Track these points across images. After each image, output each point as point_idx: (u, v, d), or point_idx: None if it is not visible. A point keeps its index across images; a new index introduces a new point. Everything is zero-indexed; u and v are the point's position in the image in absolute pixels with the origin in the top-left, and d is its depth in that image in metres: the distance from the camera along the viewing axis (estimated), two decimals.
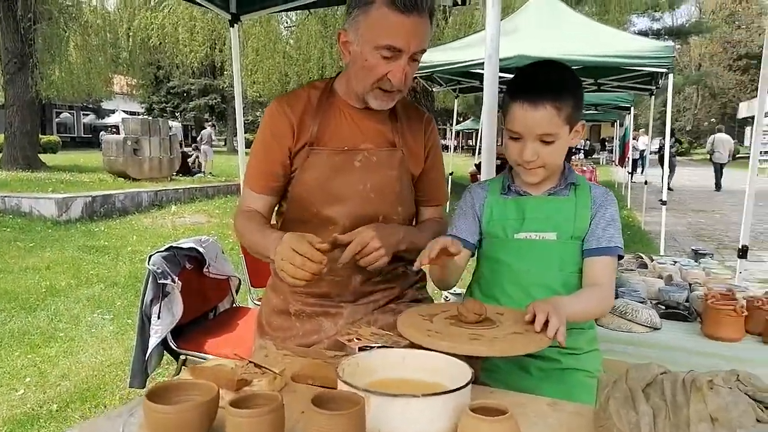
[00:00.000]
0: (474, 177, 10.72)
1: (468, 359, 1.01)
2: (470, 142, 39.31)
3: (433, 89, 10.12)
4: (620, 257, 1.40)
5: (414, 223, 1.64)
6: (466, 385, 0.87)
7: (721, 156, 16.72)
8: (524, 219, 1.41)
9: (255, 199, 1.52)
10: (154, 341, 2.50)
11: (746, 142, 40.39)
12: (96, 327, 4.30)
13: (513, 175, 1.46)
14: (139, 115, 32.43)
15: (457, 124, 14.04)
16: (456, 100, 11.21)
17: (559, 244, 1.39)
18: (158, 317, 2.51)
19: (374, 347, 1.04)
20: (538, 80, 1.32)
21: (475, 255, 1.53)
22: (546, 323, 1.08)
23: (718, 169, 16.72)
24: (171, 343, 2.54)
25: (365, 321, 1.49)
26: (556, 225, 1.39)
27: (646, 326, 2.02)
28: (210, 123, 19.71)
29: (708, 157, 18.32)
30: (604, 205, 1.41)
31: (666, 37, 29.10)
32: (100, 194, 9.51)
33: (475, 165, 11.29)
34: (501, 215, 1.44)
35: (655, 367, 0.84)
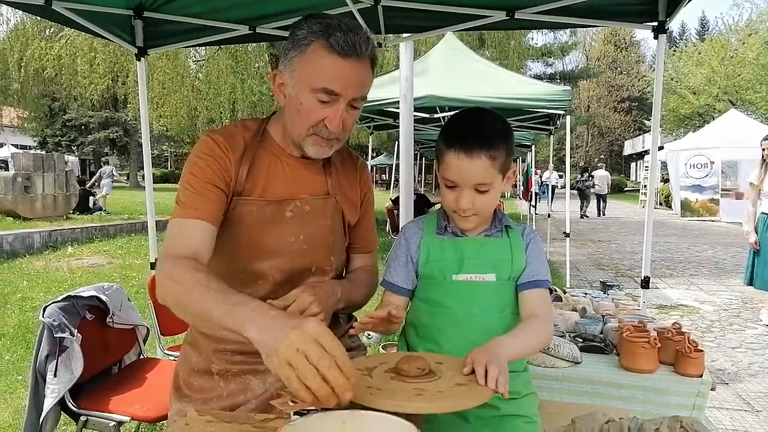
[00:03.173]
0: (390, 212, 10.83)
1: (410, 414, 0.96)
2: (383, 177, 40.03)
3: None
4: (549, 291, 1.43)
5: (344, 270, 1.58)
6: None
7: (601, 188, 20.19)
8: (463, 260, 1.40)
9: (194, 232, 1.24)
10: (49, 402, 2.25)
11: (632, 177, 44.06)
12: None
13: (447, 216, 1.46)
14: (30, 149, 30.18)
15: (371, 159, 14.22)
16: (370, 137, 11.37)
17: (498, 285, 1.39)
18: (54, 375, 2.28)
19: (311, 410, 0.97)
20: (473, 131, 1.32)
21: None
22: (486, 374, 1.06)
23: (599, 199, 20.10)
24: (69, 403, 2.30)
25: None
26: (495, 266, 1.39)
27: (568, 361, 2.08)
28: (107, 162, 18.66)
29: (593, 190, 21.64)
30: (533, 242, 1.44)
31: (558, 80, 31.43)
32: None
33: (392, 200, 11.43)
34: (438, 256, 1.42)
35: (600, 415, 0.84)
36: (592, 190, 19.59)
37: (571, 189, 11.24)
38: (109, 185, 16.57)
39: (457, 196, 1.34)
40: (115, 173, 16.95)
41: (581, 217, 19.15)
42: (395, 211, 10.01)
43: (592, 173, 20.12)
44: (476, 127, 1.32)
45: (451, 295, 1.39)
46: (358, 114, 1.32)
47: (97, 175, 17.11)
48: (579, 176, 19.65)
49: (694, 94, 27.81)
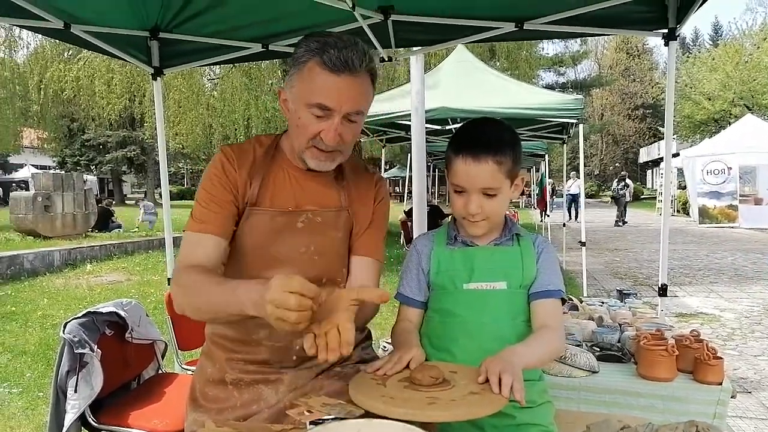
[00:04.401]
0: (404, 224, 10.83)
1: (425, 423, 0.97)
2: (397, 189, 40.08)
3: (361, 139, 10.28)
4: (563, 301, 1.44)
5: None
6: None
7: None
8: (473, 269, 1.42)
9: (209, 245, 1.33)
10: (70, 417, 2.28)
11: (648, 184, 43.63)
12: (2, 402, 3.88)
13: (458, 225, 1.48)
14: (50, 169, 30.73)
15: (384, 172, 14.23)
16: (383, 150, 11.42)
17: (509, 293, 1.40)
18: (75, 390, 2.31)
19: (327, 420, 0.98)
20: (481, 137, 1.37)
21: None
22: (500, 382, 1.07)
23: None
24: (90, 419, 2.33)
25: (310, 387, 1.41)
26: (506, 274, 1.41)
27: (585, 370, 2.06)
28: (144, 195, 18.30)
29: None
30: (546, 252, 1.45)
31: (571, 89, 31.35)
32: (7, 255, 8.81)
33: (405, 212, 11.43)
34: (449, 266, 1.44)
35: (615, 422, 0.84)
36: (625, 199, 19.60)
37: (588, 198, 11.10)
38: (154, 219, 16.59)
39: (465, 201, 1.37)
40: (154, 209, 16.63)
41: (616, 224, 19.16)
42: (409, 223, 10.02)
43: (627, 182, 20.10)
44: (483, 134, 1.38)
45: (462, 304, 1.41)
46: (357, 127, 1.36)
47: (142, 210, 16.88)
48: (615, 184, 19.96)
49: (709, 99, 27.54)
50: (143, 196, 32.02)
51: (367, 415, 0.97)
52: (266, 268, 1.38)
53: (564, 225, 10.31)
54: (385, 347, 4.69)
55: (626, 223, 19.38)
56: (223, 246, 1.36)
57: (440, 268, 1.45)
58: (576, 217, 19.37)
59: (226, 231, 1.36)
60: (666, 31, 2.70)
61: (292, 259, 1.40)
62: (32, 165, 33.25)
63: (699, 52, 32.73)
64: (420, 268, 1.48)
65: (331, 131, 1.30)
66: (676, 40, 2.72)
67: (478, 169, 1.34)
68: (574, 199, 18.91)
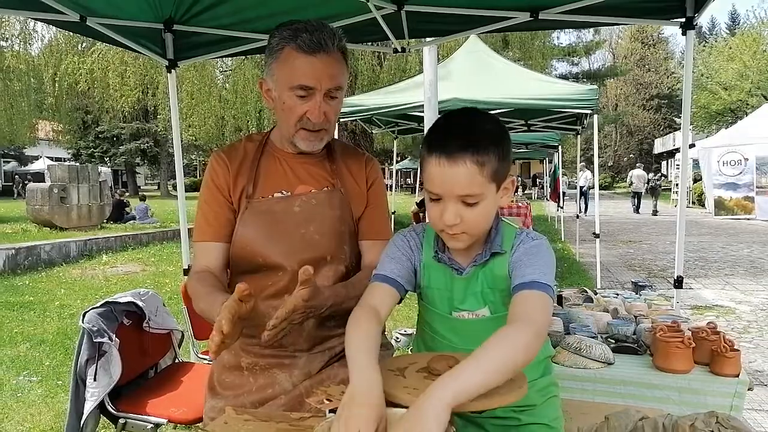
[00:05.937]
0: (416, 215, 10.83)
1: None
2: (408, 181, 40.08)
3: (372, 131, 10.26)
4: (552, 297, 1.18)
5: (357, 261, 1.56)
6: None
7: (637, 187, 20.87)
8: (456, 298, 1.30)
9: (210, 251, 1.47)
10: (90, 405, 2.32)
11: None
12: (22, 391, 3.95)
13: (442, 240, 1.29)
14: (65, 160, 31.07)
15: (396, 163, 14.21)
16: (395, 141, 11.39)
17: (494, 319, 1.26)
18: (94, 379, 2.35)
19: None
20: (457, 132, 1.15)
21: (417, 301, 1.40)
22: None
23: (636, 197, 20.86)
24: (109, 406, 2.38)
25: (326, 375, 1.44)
26: (486, 299, 1.27)
27: (601, 362, 2.06)
28: (143, 198, 18.21)
29: (629, 189, 22.39)
30: (523, 245, 1.24)
31: (584, 80, 30.98)
32: (24, 246, 8.94)
33: (417, 203, 11.43)
34: (438, 284, 1.31)
35: (634, 412, 0.84)
36: (661, 189, 19.78)
37: (602, 189, 11.02)
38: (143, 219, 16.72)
39: (441, 209, 1.16)
40: (149, 211, 16.65)
41: (654, 213, 19.45)
42: (421, 215, 10.02)
43: (641, 173, 20.34)
44: (461, 129, 1.16)
45: (451, 331, 1.31)
46: (338, 104, 1.44)
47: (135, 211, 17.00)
48: (652, 175, 20.56)
49: (726, 89, 27.14)
50: (156, 187, 32.18)
51: (390, 405, 0.98)
52: (271, 252, 1.44)
53: (577, 217, 10.26)
54: (397, 338, 4.72)
55: (657, 212, 19.57)
56: (222, 249, 1.48)
57: (431, 283, 1.31)
58: (585, 209, 19.26)
59: (223, 235, 1.48)
60: (684, 20, 2.67)
61: (294, 241, 1.44)
62: (47, 157, 33.66)
63: (716, 41, 32.18)
64: (411, 262, 1.31)
65: (316, 109, 1.38)
66: (694, 29, 2.68)
67: (454, 171, 1.11)
68: (581, 192, 18.83)
